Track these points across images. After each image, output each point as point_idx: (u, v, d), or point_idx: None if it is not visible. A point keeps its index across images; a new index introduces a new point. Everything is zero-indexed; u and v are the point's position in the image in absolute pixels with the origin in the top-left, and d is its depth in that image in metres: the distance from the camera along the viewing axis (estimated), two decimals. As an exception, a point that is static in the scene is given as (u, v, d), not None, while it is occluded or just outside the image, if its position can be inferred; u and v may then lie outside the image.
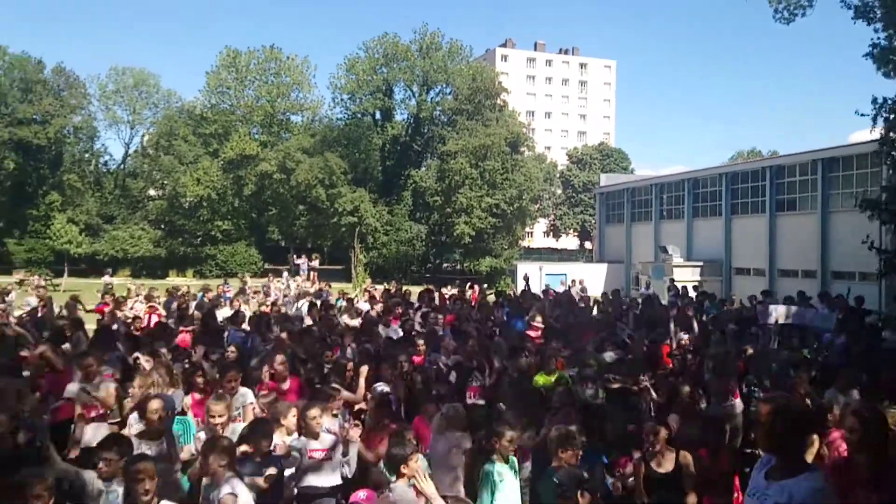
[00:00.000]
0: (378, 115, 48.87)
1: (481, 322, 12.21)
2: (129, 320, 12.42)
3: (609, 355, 9.14)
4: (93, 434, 5.73)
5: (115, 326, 11.48)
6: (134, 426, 5.69)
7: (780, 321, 12.28)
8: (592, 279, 32.42)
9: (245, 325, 11.61)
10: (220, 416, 5.60)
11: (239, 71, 48.73)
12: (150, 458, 4.41)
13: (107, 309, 13.86)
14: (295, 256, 42.11)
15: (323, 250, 51.03)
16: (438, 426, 5.90)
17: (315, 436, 5.68)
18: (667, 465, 5.36)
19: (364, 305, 15.35)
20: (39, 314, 13.36)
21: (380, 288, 21.49)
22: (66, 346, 9.08)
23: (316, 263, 34.61)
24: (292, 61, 50.17)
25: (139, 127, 52.69)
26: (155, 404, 5.41)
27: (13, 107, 43.09)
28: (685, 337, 10.12)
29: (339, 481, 5.79)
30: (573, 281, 27.93)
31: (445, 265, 49.55)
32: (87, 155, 50.09)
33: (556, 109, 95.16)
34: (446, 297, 17.30)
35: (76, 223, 43.86)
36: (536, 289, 22.37)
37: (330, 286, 21.27)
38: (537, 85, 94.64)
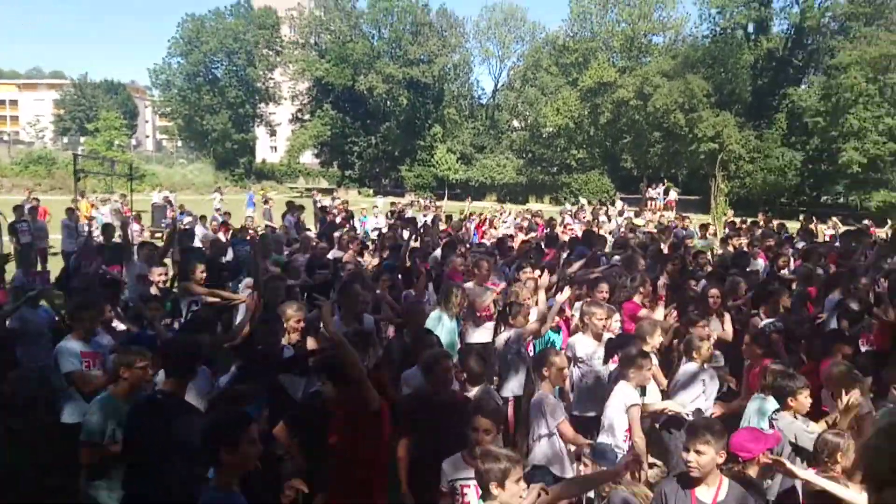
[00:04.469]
0: (751, 29, 43.83)
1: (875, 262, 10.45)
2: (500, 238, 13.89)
3: None
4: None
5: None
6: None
7: None
8: None
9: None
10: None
11: (602, -6, 48.18)
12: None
13: (483, 228, 15.88)
14: (646, 186, 41.37)
15: (678, 179, 48.96)
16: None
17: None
18: None
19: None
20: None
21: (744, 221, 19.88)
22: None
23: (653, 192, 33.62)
24: (657, -23, 47.68)
25: (507, 61, 56.39)
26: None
27: (406, 48, 49.89)
28: None
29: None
30: None
31: (825, 198, 43.25)
32: (463, 90, 55.77)
33: None
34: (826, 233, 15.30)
35: (453, 152, 49.82)
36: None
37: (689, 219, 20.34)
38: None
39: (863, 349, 6.71)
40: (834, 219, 19.39)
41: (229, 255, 11.04)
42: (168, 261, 13.56)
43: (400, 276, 8.95)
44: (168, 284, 8.10)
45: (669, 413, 5.39)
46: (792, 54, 43.69)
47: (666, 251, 11.14)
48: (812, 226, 16.18)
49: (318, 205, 20.34)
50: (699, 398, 5.55)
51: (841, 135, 36.64)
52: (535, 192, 48.68)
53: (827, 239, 15.44)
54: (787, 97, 40.81)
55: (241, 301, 7.24)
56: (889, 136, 35.88)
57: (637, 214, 25.65)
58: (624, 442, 4.79)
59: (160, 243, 15.78)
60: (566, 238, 13.18)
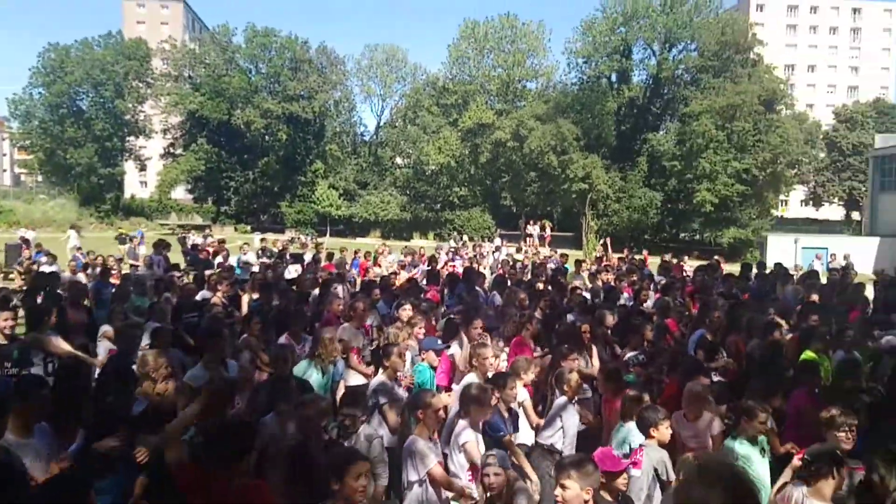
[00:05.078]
0: (614, 78, 47.27)
1: (726, 295, 11.36)
2: (385, 275, 13.80)
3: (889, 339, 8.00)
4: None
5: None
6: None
7: None
8: (861, 254, 28.32)
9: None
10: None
11: (478, 41, 50.05)
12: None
13: (367, 266, 15.76)
14: (525, 223, 43.04)
15: (553, 217, 51.21)
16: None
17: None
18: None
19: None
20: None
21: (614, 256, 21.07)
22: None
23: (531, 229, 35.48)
24: (528, 27, 50.36)
25: (389, 100, 57.13)
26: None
27: (284, 84, 49.30)
28: None
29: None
30: (832, 256, 25.49)
31: (683, 235, 46.81)
32: (345, 127, 55.71)
33: (822, 62, 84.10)
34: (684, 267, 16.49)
35: (336, 188, 49.44)
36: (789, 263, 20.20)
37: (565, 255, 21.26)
38: (799, 35, 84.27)
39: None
40: (685, 257, 21.22)
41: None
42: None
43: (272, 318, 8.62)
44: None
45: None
46: (651, 102, 47.43)
47: (540, 287, 11.52)
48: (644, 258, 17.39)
49: (190, 242, 19.31)
50: (556, 434, 5.64)
51: (695, 177, 39.96)
52: (419, 228, 49.12)
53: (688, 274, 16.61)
54: (647, 142, 44.08)
55: (93, 363, 6.72)
56: (737, 179, 39.56)
57: (518, 250, 26.57)
58: (469, 481, 4.70)
59: (14, 285, 14.48)
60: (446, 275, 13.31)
